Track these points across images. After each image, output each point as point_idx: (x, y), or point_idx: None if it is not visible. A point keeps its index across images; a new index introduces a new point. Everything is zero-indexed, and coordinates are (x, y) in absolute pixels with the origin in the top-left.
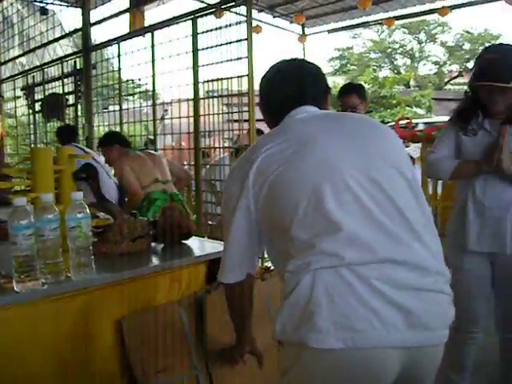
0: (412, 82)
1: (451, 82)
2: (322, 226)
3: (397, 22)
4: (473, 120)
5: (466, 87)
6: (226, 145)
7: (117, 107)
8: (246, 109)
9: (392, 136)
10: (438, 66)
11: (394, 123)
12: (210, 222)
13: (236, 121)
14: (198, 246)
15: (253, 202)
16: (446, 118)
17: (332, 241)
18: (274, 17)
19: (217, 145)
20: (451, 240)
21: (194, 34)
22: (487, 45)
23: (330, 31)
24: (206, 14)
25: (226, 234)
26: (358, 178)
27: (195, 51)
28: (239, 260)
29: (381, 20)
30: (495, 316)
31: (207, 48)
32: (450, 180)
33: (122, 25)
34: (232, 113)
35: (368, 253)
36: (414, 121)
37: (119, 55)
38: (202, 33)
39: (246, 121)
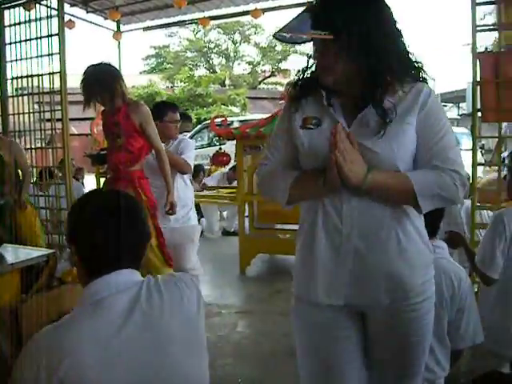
0: (227, 81)
1: (264, 81)
2: None
3: (212, 22)
4: (314, 104)
5: (278, 86)
6: (39, 145)
7: None
8: (58, 107)
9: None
10: (251, 66)
11: (209, 121)
12: None
13: (48, 120)
14: (10, 253)
15: None
16: (261, 116)
17: None
18: (88, 12)
19: (28, 146)
20: (295, 288)
21: (1, 27)
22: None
23: (145, 29)
24: (14, 6)
25: None
26: None
27: (2, 45)
28: None
29: (196, 19)
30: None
31: (16, 42)
32: (290, 205)
33: None
34: (44, 112)
35: None
36: (229, 119)
37: None
38: (10, 26)
39: (58, 120)
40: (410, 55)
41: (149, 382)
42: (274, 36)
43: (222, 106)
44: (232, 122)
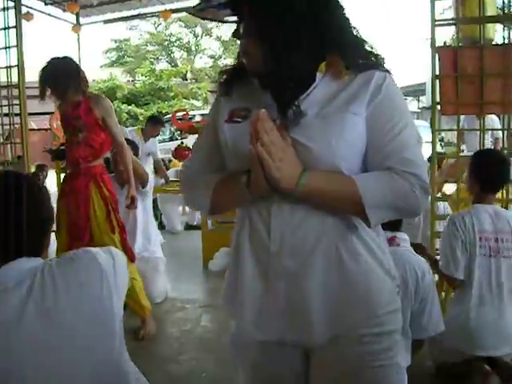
0: (189, 75)
1: None
2: None
3: (173, 15)
4: (245, 94)
5: None
6: None
7: None
8: (16, 102)
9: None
10: (213, 60)
11: (171, 115)
12: None
13: (6, 115)
14: None
15: None
16: None
17: None
18: (46, 4)
19: None
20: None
21: None
22: None
23: (105, 22)
24: None
25: None
26: None
27: None
28: None
29: (157, 12)
30: None
31: None
32: (215, 215)
33: None
34: (1, 106)
35: None
36: (190, 112)
37: None
38: None
39: (17, 115)
40: (356, 38)
41: (50, 378)
42: (189, 12)
43: (184, 100)
44: (194, 115)
